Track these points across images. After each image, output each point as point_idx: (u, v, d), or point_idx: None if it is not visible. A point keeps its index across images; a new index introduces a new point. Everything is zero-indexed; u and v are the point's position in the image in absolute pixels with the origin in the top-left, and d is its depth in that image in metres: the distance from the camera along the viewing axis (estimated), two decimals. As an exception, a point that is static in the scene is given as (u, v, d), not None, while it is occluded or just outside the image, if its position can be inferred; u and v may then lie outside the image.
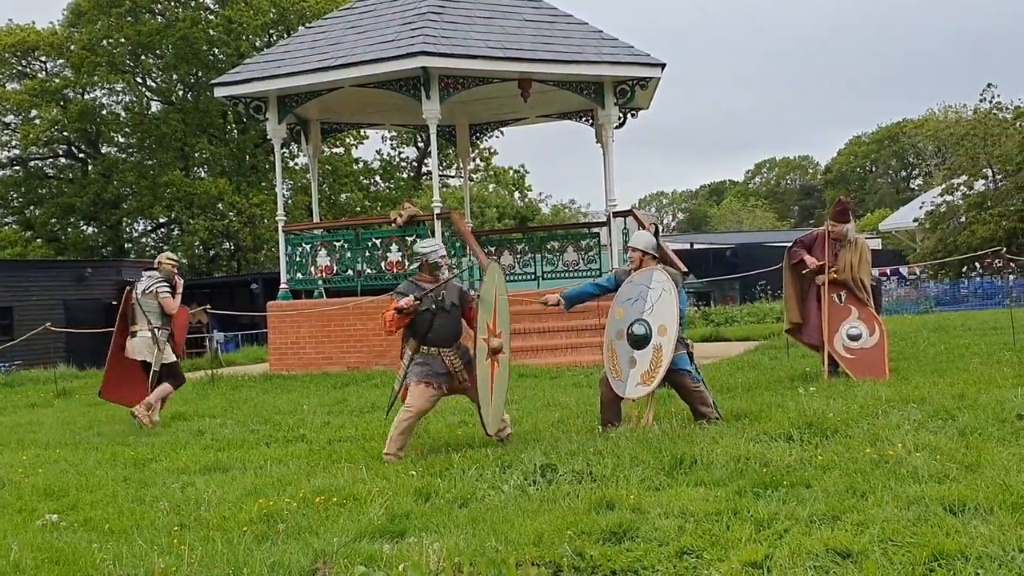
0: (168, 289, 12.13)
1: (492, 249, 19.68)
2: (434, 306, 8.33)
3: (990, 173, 36.56)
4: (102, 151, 47.12)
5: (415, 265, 8.77)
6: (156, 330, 11.99)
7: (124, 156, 46.70)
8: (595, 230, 20.38)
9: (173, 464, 8.75)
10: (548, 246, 19.96)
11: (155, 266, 12.51)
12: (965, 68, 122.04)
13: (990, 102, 37.83)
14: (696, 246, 49.17)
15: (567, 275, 19.49)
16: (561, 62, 16.87)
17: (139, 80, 46.57)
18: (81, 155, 47.80)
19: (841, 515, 5.31)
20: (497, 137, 43.61)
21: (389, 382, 14.27)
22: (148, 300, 12.07)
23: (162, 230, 50.20)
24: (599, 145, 19.32)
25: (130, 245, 48.99)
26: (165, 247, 49.27)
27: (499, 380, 8.40)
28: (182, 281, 12.63)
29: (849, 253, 11.26)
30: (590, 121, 20.14)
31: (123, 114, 46.60)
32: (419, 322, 8.35)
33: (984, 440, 6.90)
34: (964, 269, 33.89)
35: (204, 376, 17.13)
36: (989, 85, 37.87)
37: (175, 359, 12.29)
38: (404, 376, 8.44)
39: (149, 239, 50.99)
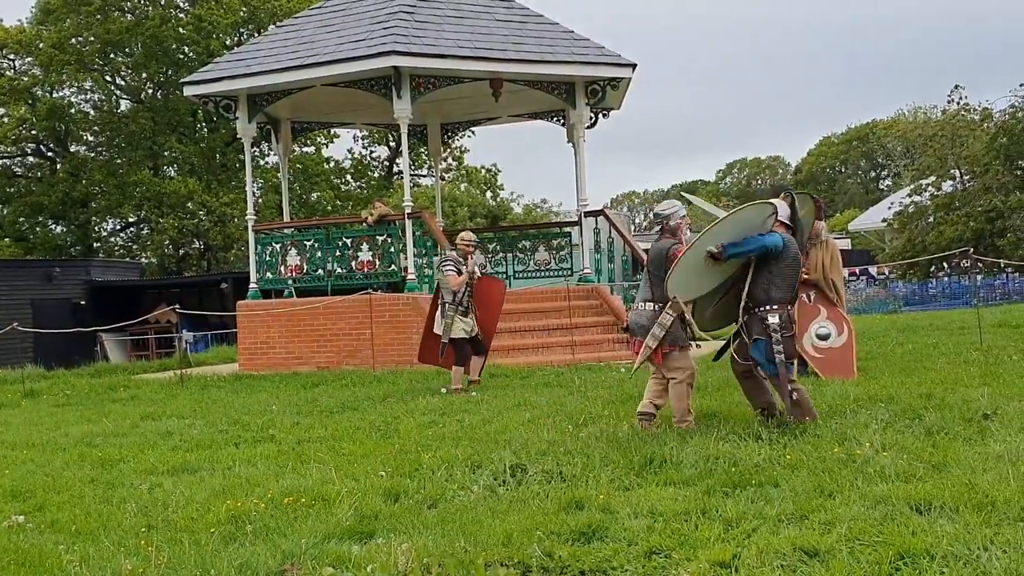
0: (452, 267, 12.77)
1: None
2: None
3: (958, 174, 36.82)
4: (71, 150, 46.74)
5: (658, 226, 8.79)
6: (445, 304, 12.76)
7: (93, 155, 46.33)
8: (567, 229, 20.40)
9: (141, 465, 8.68)
10: (520, 245, 19.96)
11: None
12: (934, 69, 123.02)
13: (958, 103, 38.12)
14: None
15: (539, 275, 19.51)
16: (532, 62, 16.88)
17: (108, 78, 46.24)
18: (50, 154, 47.39)
19: (809, 514, 5.34)
20: (469, 136, 43.62)
21: (359, 382, 14.29)
22: (440, 275, 13.08)
23: (131, 229, 49.84)
24: (570, 145, 19.35)
25: (99, 244, 48.59)
26: (134, 246, 48.98)
27: None
28: (475, 262, 13.29)
29: (821, 253, 11.32)
30: (561, 121, 20.16)
31: (92, 113, 46.26)
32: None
33: (951, 439, 6.95)
34: (932, 269, 34.15)
35: (173, 376, 17.04)
36: (957, 87, 38.10)
37: (464, 336, 12.78)
38: (664, 337, 8.23)
39: (118, 238, 50.61)
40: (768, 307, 7.97)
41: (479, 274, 13.18)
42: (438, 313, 12.95)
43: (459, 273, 12.74)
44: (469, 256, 13.05)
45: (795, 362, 11.15)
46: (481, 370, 13.09)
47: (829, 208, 79.25)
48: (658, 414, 8.50)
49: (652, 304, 8.42)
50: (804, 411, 7.89)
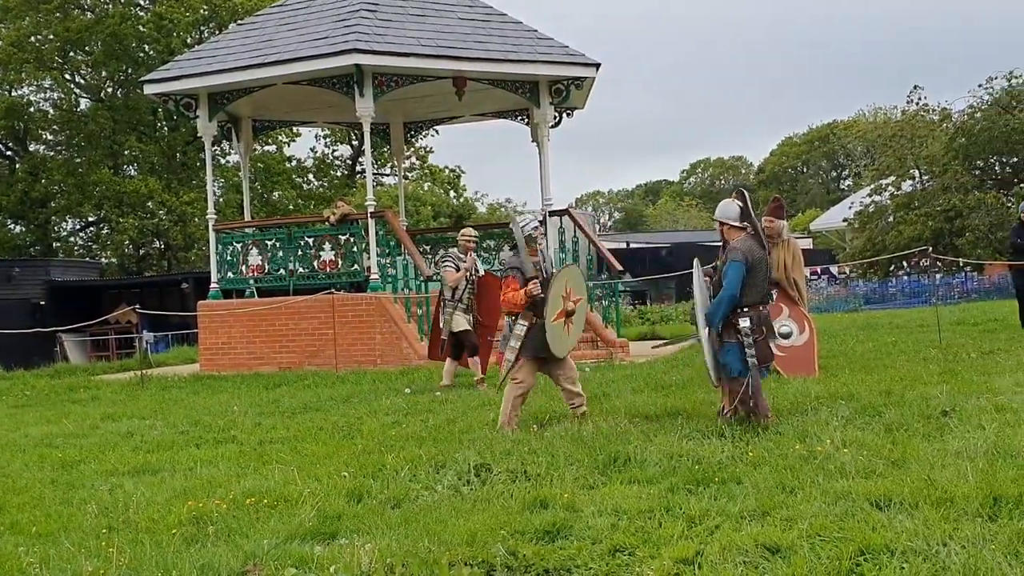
0: (451, 263, 12.84)
1: (428, 248, 19.61)
2: (545, 275, 8.75)
3: (917, 174, 37.21)
4: (30, 149, 46.23)
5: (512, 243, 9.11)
6: (444, 301, 12.89)
7: (52, 154, 45.86)
8: (494, 230, 20.37)
9: (101, 466, 8.60)
10: (484, 245, 19.92)
11: None
12: (893, 70, 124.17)
13: (917, 104, 38.51)
14: (632, 245, 49.48)
15: (504, 273, 19.44)
16: (496, 61, 16.88)
17: (68, 77, 45.78)
18: (8, 153, 46.85)
19: (770, 511, 5.37)
20: (433, 136, 43.55)
21: (322, 382, 14.23)
22: (440, 272, 13.21)
23: (91, 229, 49.38)
24: (535, 144, 19.35)
25: (58, 244, 48.11)
26: (94, 246, 48.52)
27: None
28: (473, 257, 13.21)
29: (782, 252, 11.41)
30: (525, 120, 20.16)
31: (51, 111, 45.77)
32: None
33: (910, 436, 7.02)
34: (892, 268, 34.50)
35: (133, 377, 16.88)
36: (916, 87, 38.52)
37: (466, 328, 12.78)
38: (520, 348, 8.58)
39: (78, 238, 50.13)
40: (739, 310, 7.97)
41: (480, 271, 13.13)
42: (439, 310, 13.07)
43: (457, 269, 12.73)
44: (470, 252, 13.02)
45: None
46: (485, 368, 13.07)
47: (791, 208, 79.85)
48: (583, 401, 8.88)
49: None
50: (761, 416, 7.91)
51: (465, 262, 12.86)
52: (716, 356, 8.02)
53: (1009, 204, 31.70)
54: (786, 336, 11.21)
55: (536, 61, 17.05)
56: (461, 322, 12.69)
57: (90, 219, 47.75)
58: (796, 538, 4.84)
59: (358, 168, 47.86)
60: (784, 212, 11.82)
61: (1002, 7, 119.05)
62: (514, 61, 16.97)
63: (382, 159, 42.40)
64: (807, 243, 48.76)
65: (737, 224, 8.20)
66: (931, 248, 22.18)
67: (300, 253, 17.42)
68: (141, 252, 47.92)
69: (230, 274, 17.96)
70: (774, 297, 11.34)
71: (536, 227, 9.01)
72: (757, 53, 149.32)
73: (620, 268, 17.70)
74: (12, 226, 47.03)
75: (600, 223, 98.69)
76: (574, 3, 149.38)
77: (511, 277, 8.68)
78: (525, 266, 8.72)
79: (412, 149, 41.85)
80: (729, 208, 8.31)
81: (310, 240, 17.48)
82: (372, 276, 16.73)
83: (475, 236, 13.47)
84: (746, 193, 8.47)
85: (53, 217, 46.73)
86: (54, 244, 47.52)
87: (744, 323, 7.93)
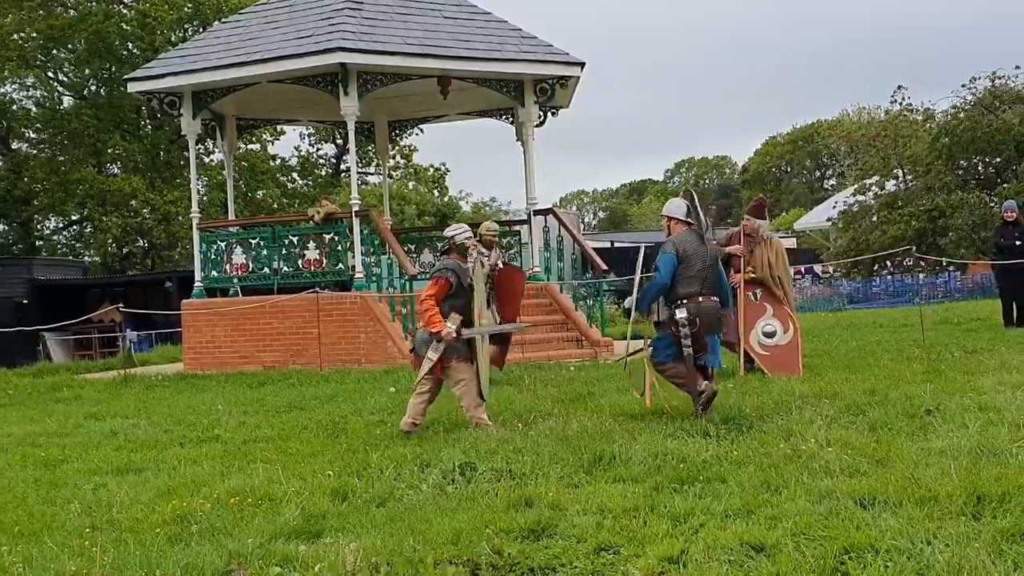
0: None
1: (412, 247, 19.57)
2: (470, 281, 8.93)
3: (901, 173, 37.31)
4: (12, 147, 45.94)
5: (444, 247, 9.30)
6: None
7: (35, 152, 45.57)
8: (516, 228, 20.40)
9: (85, 465, 8.57)
10: (468, 244, 19.88)
11: None
12: (878, 69, 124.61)
13: (901, 104, 38.62)
14: (617, 244, 49.50)
15: (439, 272, 19.42)
16: (480, 60, 16.87)
17: (51, 75, 45.49)
18: (-10, 151, 46.56)
19: (755, 509, 5.38)
20: (417, 135, 43.46)
21: (306, 381, 14.20)
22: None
23: (74, 228, 49.12)
24: (519, 143, 19.34)
25: (41, 243, 47.84)
26: (77, 245, 48.28)
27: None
28: (497, 252, 12.91)
29: (765, 251, 11.46)
30: (510, 119, 20.11)
31: (34, 109, 45.49)
32: (468, 300, 8.91)
33: (894, 435, 7.04)
34: (876, 267, 34.57)
35: (117, 376, 16.81)
36: (900, 87, 38.65)
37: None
38: (443, 350, 8.71)
39: (61, 237, 49.86)
40: (676, 302, 8.33)
41: (501, 265, 13.07)
42: None
43: (480, 265, 12.69)
44: (494, 247, 12.98)
45: (741, 359, 11.33)
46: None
47: (775, 207, 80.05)
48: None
49: None
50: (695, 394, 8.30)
51: (490, 257, 12.84)
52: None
53: (992, 204, 31.80)
54: (770, 335, 11.25)
55: (521, 60, 17.05)
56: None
57: (73, 218, 47.49)
58: (781, 537, 4.85)
59: (343, 167, 47.67)
60: (764, 212, 11.88)
61: (985, 8, 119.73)
62: (499, 60, 16.96)
63: (367, 158, 42.27)
64: (791, 243, 48.81)
65: (683, 219, 8.67)
66: (914, 248, 22.25)
67: (284, 252, 17.36)
68: (125, 251, 47.68)
69: (214, 273, 17.89)
70: (758, 296, 11.39)
71: (469, 236, 9.23)
72: (741, 53, 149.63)
73: (604, 267, 17.71)
74: (-6, 225, 46.79)
75: (584, 222, 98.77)
76: (560, 3, 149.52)
77: (444, 278, 8.72)
78: (461, 271, 8.97)
79: (396, 148, 41.77)
80: (677, 205, 8.83)
81: (295, 239, 17.42)
82: (357, 275, 16.70)
83: (498, 230, 13.45)
84: (694, 194, 8.91)
85: (36, 216, 46.45)
86: (37, 243, 47.26)
87: (680, 314, 8.28)
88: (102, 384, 16.29)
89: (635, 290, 8.82)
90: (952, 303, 26.25)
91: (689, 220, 8.63)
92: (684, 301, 8.30)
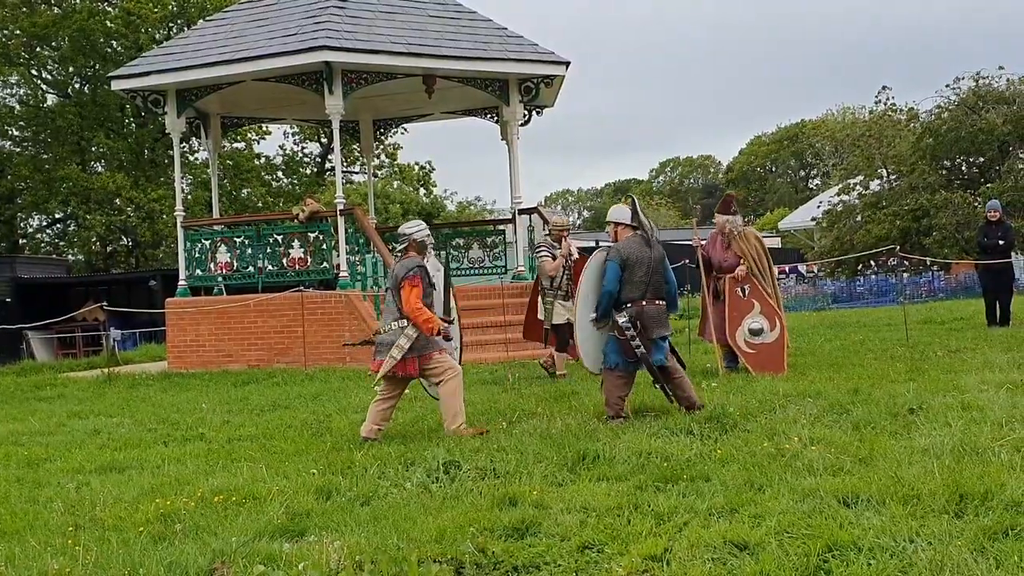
0: (546, 251, 12.83)
1: (396, 245, 19.51)
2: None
3: (885, 173, 37.44)
4: (-6, 145, 45.69)
5: (403, 245, 9.15)
6: (544, 291, 12.87)
7: (18, 150, 45.34)
8: (501, 227, 20.41)
9: (68, 464, 8.54)
10: (454, 243, 19.94)
11: None
12: (863, 69, 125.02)
13: (885, 104, 38.76)
14: (601, 244, 49.50)
15: (473, 272, 19.52)
16: (465, 59, 16.86)
17: (34, 73, 45.27)
18: (-28, 149, 46.29)
19: (739, 508, 5.40)
20: (402, 133, 43.40)
21: (291, 380, 14.18)
22: (536, 263, 13.16)
23: (58, 225, 48.90)
24: (504, 142, 19.34)
25: (25, 241, 47.61)
26: (61, 243, 48.05)
27: None
28: (568, 243, 13.02)
29: (744, 244, 11.57)
30: (495, 118, 20.13)
31: (17, 107, 45.26)
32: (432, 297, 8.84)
33: (877, 433, 7.07)
34: (860, 267, 34.68)
35: (101, 374, 16.76)
36: (884, 87, 38.83)
37: (564, 322, 12.47)
38: (412, 348, 8.58)
39: (45, 235, 49.64)
40: (620, 307, 8.52)
41: (576, 256, 13.03)
42: (539, 299, 13.02)
43: (553, 258, 12.70)
44: (564, 239, 12.97)
45: (722, 357, 11.40)
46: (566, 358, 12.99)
47: (760, 207, 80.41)
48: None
49: (400, 321, 8.64)
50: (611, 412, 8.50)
51: (560, 250, 12.85)
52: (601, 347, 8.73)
53: (976, 204, 31.92)
54: (757, 333, 11.28)
55: (506, 59, 17.05)
56: (561, 314, 12.58)
57: (57, 216, 47.26)
58: (764, 535, 4.87)
59: (327, 165, 47.57)
60: (731, 208, 12.03)
61: (972, 8, 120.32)
62: (484, 59, 16.95)
63: (351, 157, 42.24)
64: (775, 242, 48.94)
65: (628, 224, 8.84)
66: (899, 247, 22.33)
67: (269, 250, 17.32)
68: (109, 249, 47.52)
69: (198, 271, 17.84)
70: (746, 292, 11.43)
71: (428, 234, 9.22)
72: (726, 53, 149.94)
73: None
74: (-24, 223, 46.51)
75: (570, 222, 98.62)
76: (545, 3, 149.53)
77: (418, 276, 8.65)
78: (424, 269, 8.87)
79: (381, 147, 41.73)
80: (621, 211, 9.01)
81: (279, 237, 17.37)
82: (341, 274, 16.68)
83: (567, 224, 13.53)
84: (635, 199, 9.09)
85: (19, 214, 46.22)
86: (20, 241, 47.03)
87: (622, 319, 8.49)
88: (86, 383, 16.24)
89: (580, 294, 9.11)
90: (936, 302, 26.39)
91: (634, 224, 8.82)
92: (628, 305, 8.51)
